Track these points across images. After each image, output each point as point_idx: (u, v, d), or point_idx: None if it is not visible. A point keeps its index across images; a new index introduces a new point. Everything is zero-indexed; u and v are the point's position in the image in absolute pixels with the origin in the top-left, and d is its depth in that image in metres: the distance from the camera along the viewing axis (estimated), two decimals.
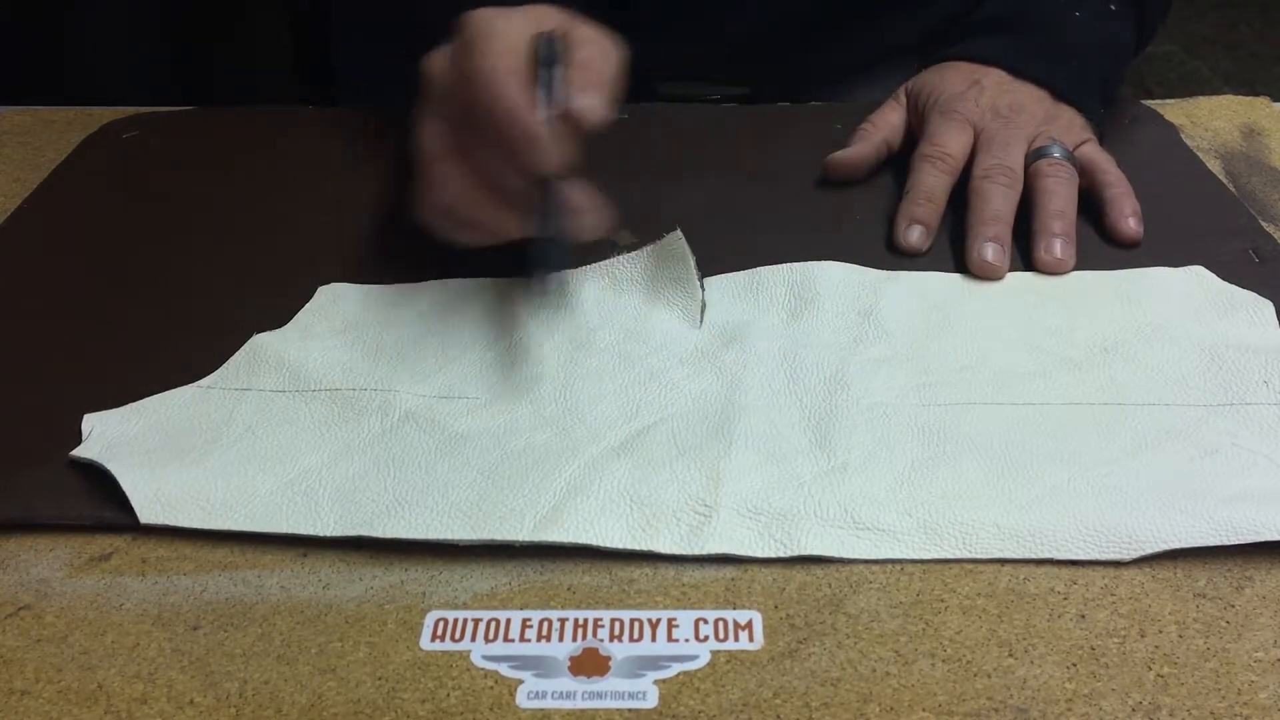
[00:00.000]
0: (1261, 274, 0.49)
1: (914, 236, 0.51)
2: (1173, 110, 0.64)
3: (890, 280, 0.49)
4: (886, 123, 0.58)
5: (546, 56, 0.44)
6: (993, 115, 0.55)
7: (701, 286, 0.48)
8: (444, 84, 0.45)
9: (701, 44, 0.68)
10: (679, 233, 0.48)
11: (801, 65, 0.59)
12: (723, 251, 0.50)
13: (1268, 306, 0.46)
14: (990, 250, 0.49)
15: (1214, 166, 0.58)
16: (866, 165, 0.57)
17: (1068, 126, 0.55)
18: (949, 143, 0.54)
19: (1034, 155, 0.53)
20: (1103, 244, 0.52)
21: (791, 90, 0.67)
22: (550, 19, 0.47)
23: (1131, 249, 0.51)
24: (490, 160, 0.43)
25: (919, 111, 0.58)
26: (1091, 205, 0.53)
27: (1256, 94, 0.66)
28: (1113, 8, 0.59)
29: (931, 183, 0.53)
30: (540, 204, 0.43)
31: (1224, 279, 0.48)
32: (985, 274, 0.49)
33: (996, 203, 0.51)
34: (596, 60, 0.45)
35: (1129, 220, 0.52)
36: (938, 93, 0.57)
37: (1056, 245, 0.50)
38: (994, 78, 0.57)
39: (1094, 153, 0.55)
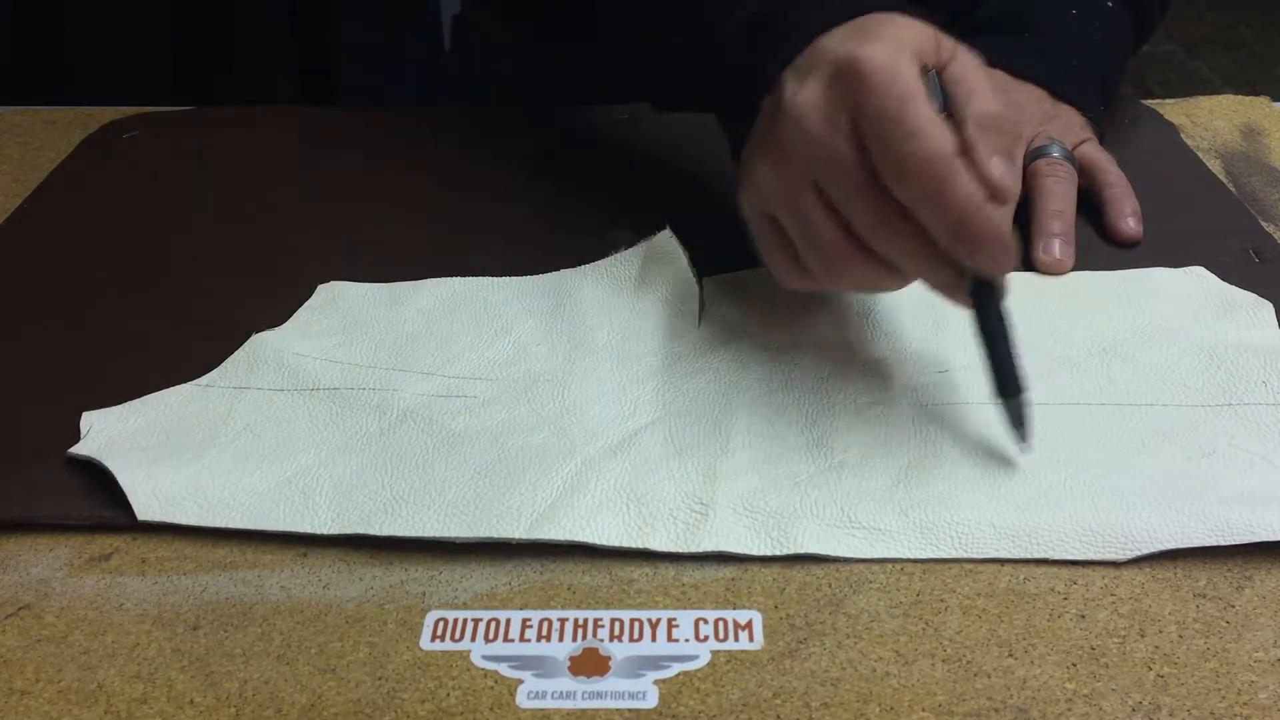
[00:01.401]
0: (1261, 274, 0.49)
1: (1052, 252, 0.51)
2: (1173, 110, 0.64)
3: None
4: None
5: (936, 98, 0.37)
6: None
7: (700, 286, 0.48)
8: (836, 147, 0.37)
9: None
10: (669, 231, 0.48)
11: None
12: (722, 251, 0.50)
13: (1267, 307, 0.46)
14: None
15: (1214, 166, 0.58)
16: None
17: (1067, 126, 0.55)
18: None
19: (1033, 155, 0.53)
20: (1103, 244, 0.52)
21: None
22: (920, 39, 0.38)
23: (1131, 248, 0.51)
24: (914, 250, 0.37)
25: None
26: (1091, 205, 0.53)
27: (1256, 94, 0.66)
28: (1110, 5, 0.59)
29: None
30: (992, 327, 0.38)
31: (1224, 279, 0.48)
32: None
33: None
34: (997, 104, 0.38)
35: (1128, 220, 0.52)
36: None
37: (1055, 245, 0.50)
38: (992, 76, 0.56)
39: (1093, 152, 0.55)
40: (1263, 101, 0.65)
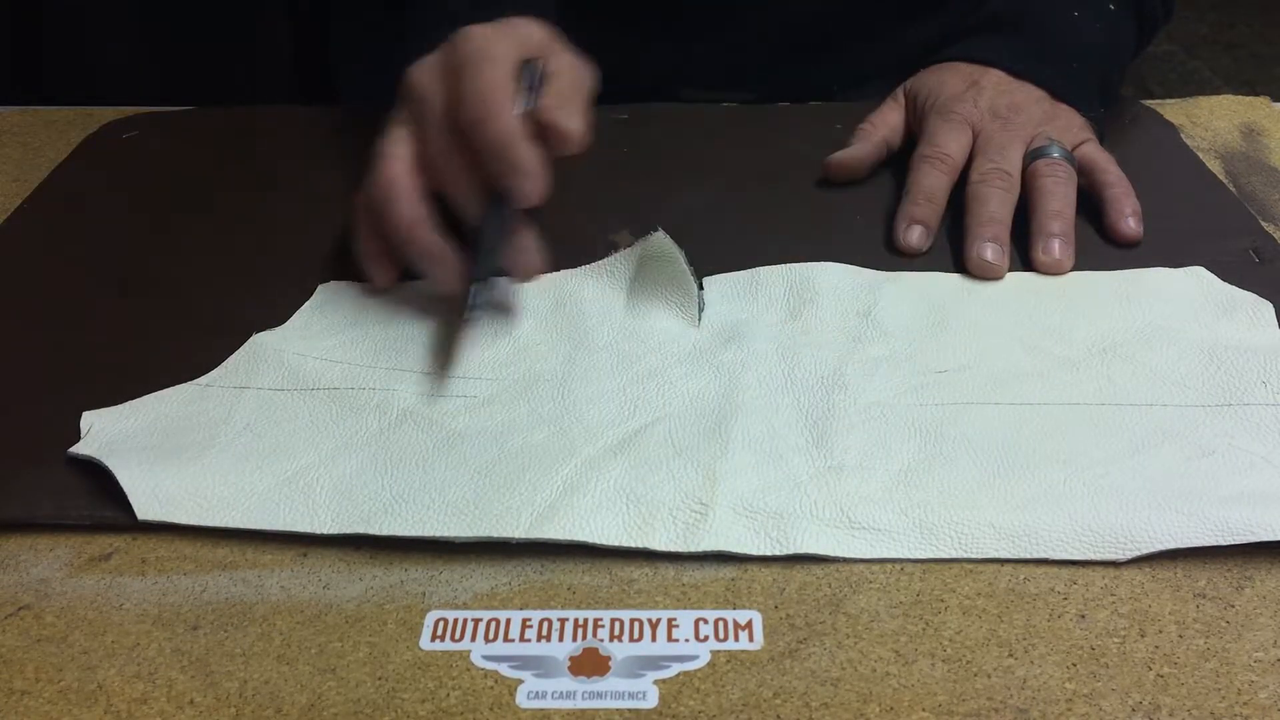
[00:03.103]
0: (1261, 274, 0.49)
1: (914, 237, 0.51)
2: (1173, 110, 0.64)
3: (889, 280, 0.49)
4: (885, 122, 0.58)
5: (529, 82, 0.47)
6: (991, 116, 0.55)
7: (700, 286, 0.48)
8: (430, 98, 0.46)
9: (713, 52, 0.69)
10: (662, 232, 0.48)
11: (811, 73, 0.59)
12: (723, 251, 0.50)
13: (1267, 307, 0.46)
14: (990, 250, 0.49)
15: (1214, 166, 0.58)
16: (867, 165, 0.57)
17: (1066, 126, 0.55)
18: (948, 143, 0.54)
19: (1032, 155, 0.53)
20: (1103, 244, 0.52)
21: (802, 98, 0.67)
22: (534, 36, 0.49)
23: (1132, 248, 0.51)
24: (458, 181, 0.45)
25: (918, 112, 0.58)
26: (1092, 205, 0.53)
27: (1256, 94, 0.66)
28: (1112, 7, 0.59)
29: (931, 183, 0.53)
30: (489, 224, 0.45)
31: (1224, 279, 0.48)
32: (985, 273, 0.49)
33: (993, 206, 0.51)
34: (574, 86, 0.48)
35: (1129, 220, 0.51)
36: (936, 94, 0.57)
37: (1054, 246, 0.50)
38: (992, 78, 0.56)
39: (1094, 152, 0.55)
40: (1263, 101, 0.65)
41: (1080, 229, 0.51)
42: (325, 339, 0.46)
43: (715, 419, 0.41)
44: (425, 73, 0.47)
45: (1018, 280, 0.49)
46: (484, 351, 0.45)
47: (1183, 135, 0.61)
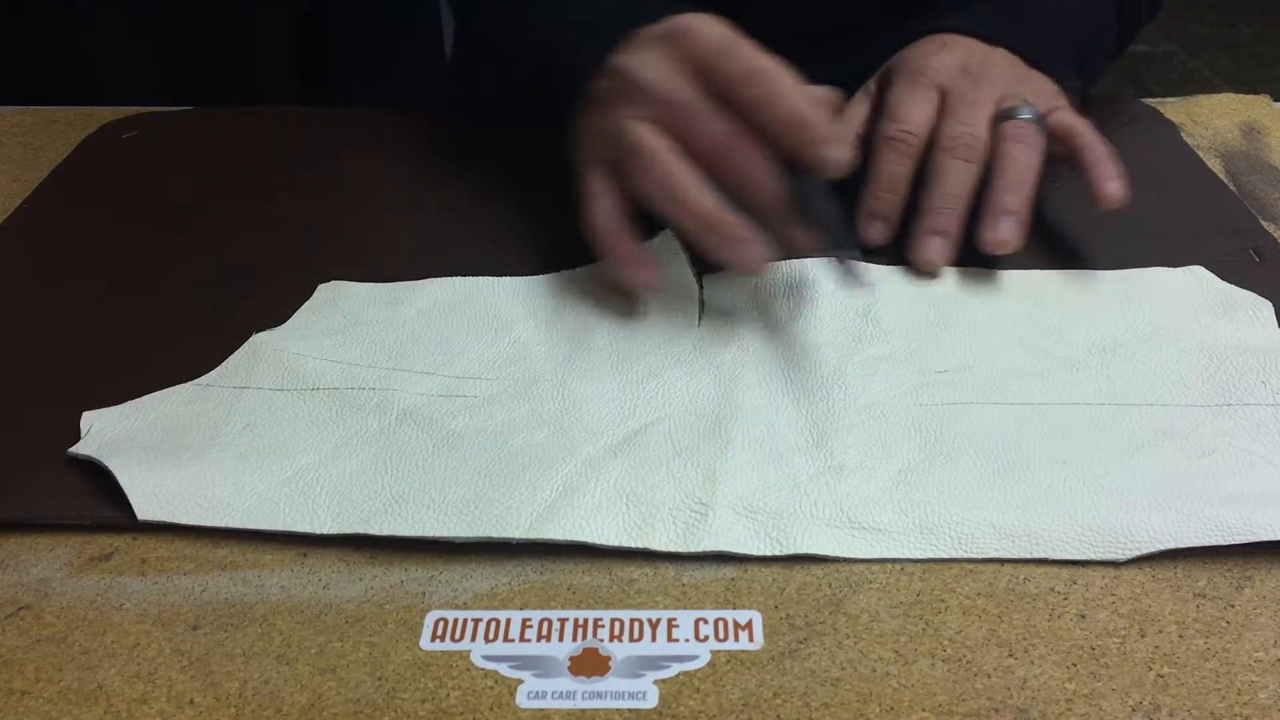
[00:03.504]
0: (1261, 274, 0.49)
1: (873, 233, 0.50)
2: (1173, 109, 0.64)
3: (889, 279, 0.49)
4: (856, 115, 0.56)
5: None
6: (961, 73, 0.52)
7: (700, 285, 0.48)
8: (678, 88, 0.44)
9: None
10: (669, 231, 0.48)
11: (811, 75, 0.58)
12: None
13: (1267, 307, 0.46)
14: (933, 247, 0.48)
15: (1214, 165, 0.58)
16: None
17: (1040, 91, 0.53)
18: (912, 115, 0.51)
19: (1001, 116, 0.50)
20: (1102, 244, 0.51)
21: None
22: (714, 28, 0.45)
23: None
24: (749, 164, 0.43)
25: (885, 83, 0.55)
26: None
27: (1256, 93, 0.66)
28: None
29: (892, 171, 0.50)
30: (814, 199, 0.43)
31: (1224, 279, 0.48)
32: (923, 269, 0.48)
33: (949, 183, 0.49)
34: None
35: (1111, 182, 0.49)
36: (903, 62, 0.55)
37: (1002, 224, 0.47)
38: (965, 43, 0.54)
39: (1069, 118, 0.52)
40: (1263, 100, 0.65)
41: (1081, 229, 0.51)
42: (325, 339, 0.46)
43: (715, 419, 0.41)
44: (653, 65, 0.44)
45: (1018, 280, 0.49)
46: (484, 351, 0.45)
47: (1183, 134, 0.61)
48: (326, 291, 0.49)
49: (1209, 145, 0.61)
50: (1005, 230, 0.48)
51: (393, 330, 0.47)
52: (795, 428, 0.41)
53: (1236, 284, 0.48)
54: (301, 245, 0.53)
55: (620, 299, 0.48)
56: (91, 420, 0.42)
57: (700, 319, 0.47)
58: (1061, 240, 0.52)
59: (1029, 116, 0.50)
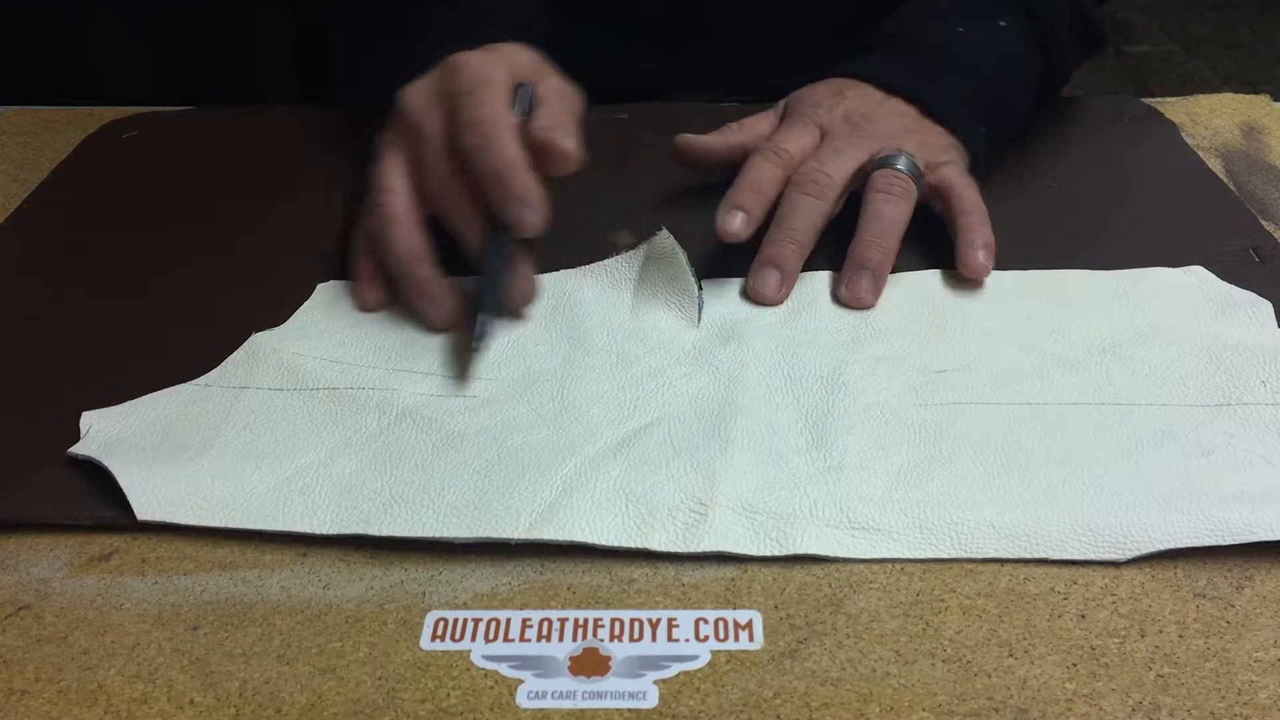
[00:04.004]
0: (1261, 274, 0.49)
1: (734, 223, 0.48)
2: (1173, 109, 0.64)
3: (888, 282, 0.49)
4: (753, 127, 0.55)
5: (522, 106, 0.48)
6: (844, 119, 0.52)
7: (699, 285, 0.48)
8: (426, 124, 0.47)
9: (708, 58, 0.69)
10: (666, 232, 0.48)
11: (806, 76, 0.58)
12: (723, 250, 0.50)
13: (1266, 306, 0.46)
14: (769, 282, 0.47)
15: (1214, 165, 0.58)
16: (713, 156, 0.54)
17: (926, 144, 0.51)
18: (786, 140, 0.51)
19: (874, 165, 0.50)
20: (1102, 244, 0.52)
21: None
22: (523, 61, 0.50)
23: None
24: (459, 209, 0.46)
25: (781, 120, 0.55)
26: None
27: (1256, 93, 0.66)
28: (1003, 24, 0.56)
29: (758, 174, 0.49)
30: (494, 257, 0.45)
31: (1224, 279, 0.48)
32: (759, 302, 0.47)
33: (795, 220, 0.48)
34: (566, 107, 0.49)
35: (978, 252, 0.48)
36: (799, 100, 0.55)
37: (860, 282, 0.47)
38: (861, 90, 0.53)
39: (952, 176, 0.51)
40: (1263, 100, 0.65)
41: (1080, 228, 0.51)
42: (325, 339, 0.46)
43: (715, 419, 0.41)
44: (419, 98, 0.48)
45: (1017, 280, 0.49)
46: (484, 351, 0.45)
47: (1183, 134, 0.61)
48: (326, 291, 0.49)
49: (1209, 145, 0.61)
50: (861, 287, 0.47)
51: (392, 330, 0.47)
52: (795, 428, 0.41)
53: (1236, 284, 0.47)
54: (301, 245, 0.53)
55: (620, 299, 0.48)
56: (91, 420, 0.42)
57: (700, 319, 0.47)
58: (1061, 240, 0.52)
59: (902, 167, 0.49)
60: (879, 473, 0.39)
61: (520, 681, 0.33)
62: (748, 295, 0.48)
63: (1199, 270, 0.49)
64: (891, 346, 0.45)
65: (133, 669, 0.33)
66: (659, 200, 0.56)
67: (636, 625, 0.34)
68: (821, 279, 0.49)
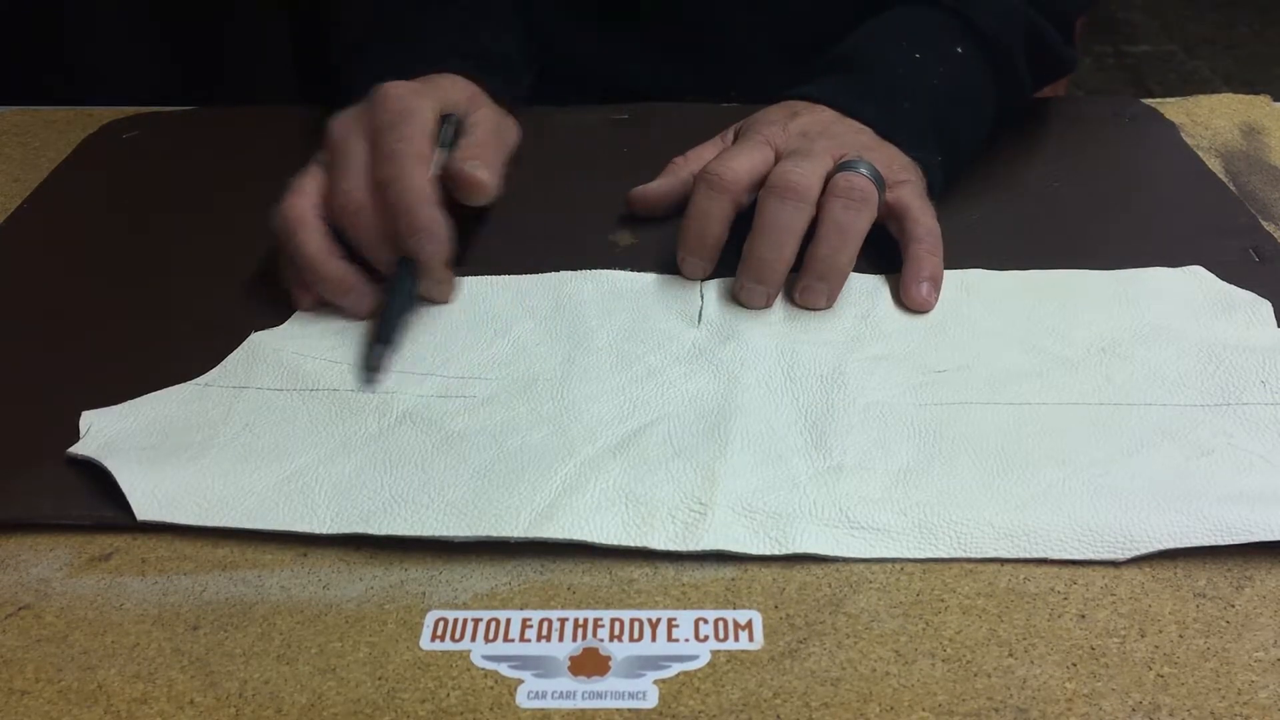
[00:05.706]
0: (1261, 274, 0.49)
1: (692, 272, 0.49)
2: (1173, 109, 0.64)
3: (888, 284, 0.49)
4: (699, 157, 0.54)
5: (447, 137, 0.50)
6: (800, 135, 0.50)
7: (700, 286, 0.48)
8: (348, 151, 0.48)
9: (699, 66, 0.69)
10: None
11: (797, 82, 0.58)
12: (723, 251, 0.50)
13: (1266, 306, 0.46)
14: (757, 299, 0.47)
15: (1214, 165, 0.58)
16: (667, 200, 0.54)
17: (887, 161, 0.50)
18: (732, 160, 0.48)
19: (837, 169, 0.48)
20: (1102, 244, 0.52)
21: None
22: (456, 92, 0.52)
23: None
24: (369, 234, 0.47)
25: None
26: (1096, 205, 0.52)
27: (1256, 93, 0.66)
28: (959, 50, 0.55)
29: (701, 206, 0.48)
30: (397, 289, 0.46)
31: (1224, 279, 0.48)
32: (749, 306, 0.47)
33: (773, 223, 0.46)
34: (489, 139, 0.51)
35: (922, 285, 0.47)
36: (752, 121, 0.53)
37: (814, 288, 0.47)
38: (815, 110, 0.52)
39: (910, 197, 0.49)
40: (1263, 100, 0.65)
41: (1080, 228, 0.51)
42: (324, 339, 0.46)
43: (714, 419, 0.41)
44: (346, 125, 0.49)
45: (1017, 280, 0.49)
46: (483, 351, 0.45)
47: (1183, 134, 0.61)
48: None
49: (1209, 145, 0.61)
50: (814, 296, 0.47)
51: None
52: (794, 428, 0.41)
53: (1236, 284, 0.48)
54: None
55: (621, 299, 0.48)
56: (91, 420, 0.42)
57: (700, 319, 0.47)
58: (1061, 240, 0.52)
59: (865, 171, 0.47)
60: (879, 473, 0.39)
61: (520, 681, 0.33)
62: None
63: (1199, 270, 0.49)
64: (891, 346, 0.45)
65: (133, 669, 0.33)
66: None
67: (636, 625, 0.34)
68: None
